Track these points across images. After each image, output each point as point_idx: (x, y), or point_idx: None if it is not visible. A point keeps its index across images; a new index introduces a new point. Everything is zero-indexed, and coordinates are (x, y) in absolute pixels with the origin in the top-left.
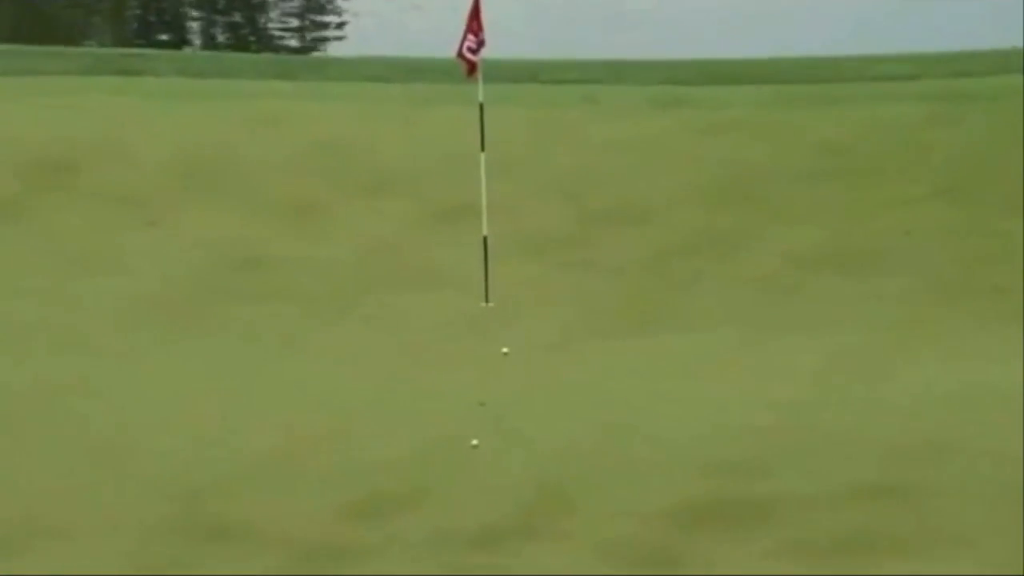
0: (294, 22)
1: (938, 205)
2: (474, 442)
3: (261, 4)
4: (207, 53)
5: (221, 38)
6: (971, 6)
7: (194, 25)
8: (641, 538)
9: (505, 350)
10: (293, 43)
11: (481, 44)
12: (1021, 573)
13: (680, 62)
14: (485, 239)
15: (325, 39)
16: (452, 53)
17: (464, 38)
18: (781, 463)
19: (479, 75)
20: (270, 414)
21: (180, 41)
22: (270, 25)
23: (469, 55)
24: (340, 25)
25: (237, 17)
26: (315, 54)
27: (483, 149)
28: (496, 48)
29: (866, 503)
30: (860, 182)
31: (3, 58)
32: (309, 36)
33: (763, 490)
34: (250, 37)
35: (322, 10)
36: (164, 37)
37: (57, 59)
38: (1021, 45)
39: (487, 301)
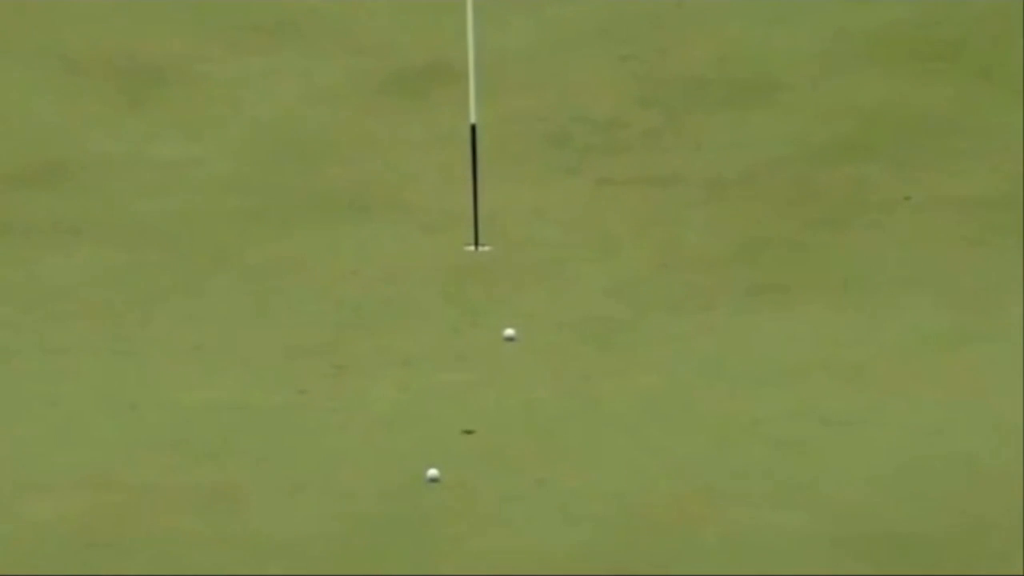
0: None
1: None
2: (432, 472)
3: None
4: None
5: None
6: None
7: None
8: None
9: (510, 333)
10: None
11: None
12: None
13: None
14: (474, 129)
15: None
16: None
17: None
18: None
19: None
20: (85, 456)
21: None
22: None
23: None
24: None
25: None
26: None
27: None
28: None
29: None
30: None
31: None
32: None
33: None
34: None
35: None
36: None
37: None
38: None
39: (478, 244)
